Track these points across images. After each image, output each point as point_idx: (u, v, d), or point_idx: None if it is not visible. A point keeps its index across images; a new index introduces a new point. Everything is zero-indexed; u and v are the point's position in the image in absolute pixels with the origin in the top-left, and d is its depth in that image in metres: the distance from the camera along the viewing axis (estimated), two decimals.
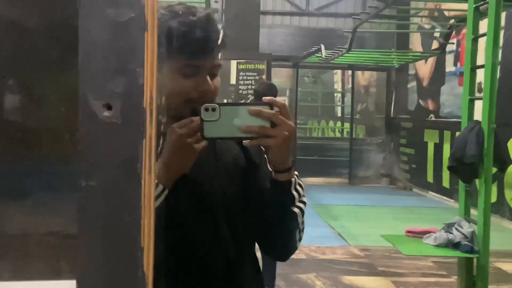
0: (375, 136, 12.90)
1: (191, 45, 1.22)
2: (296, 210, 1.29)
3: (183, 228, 1.28)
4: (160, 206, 1.18)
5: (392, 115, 12.49)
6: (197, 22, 1.22)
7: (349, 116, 12.67)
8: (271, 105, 1.16)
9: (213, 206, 1.31)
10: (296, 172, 1.29)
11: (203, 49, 1.23)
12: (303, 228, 1.35)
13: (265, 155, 1.31)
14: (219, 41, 1.27)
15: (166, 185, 1.20)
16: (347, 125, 12.96)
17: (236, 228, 1.33)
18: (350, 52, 8.56)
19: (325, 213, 8.21)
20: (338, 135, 14.08)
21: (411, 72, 11.47)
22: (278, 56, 11.17)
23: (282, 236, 1.34)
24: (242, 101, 5.53)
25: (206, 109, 1.14)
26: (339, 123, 14.38)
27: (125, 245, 0.57)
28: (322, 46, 9.28)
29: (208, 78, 1.25)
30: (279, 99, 1.19)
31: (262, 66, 7.41)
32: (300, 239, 1.36)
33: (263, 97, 1.17)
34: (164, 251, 1.24)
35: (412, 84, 11.43)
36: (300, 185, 1.31)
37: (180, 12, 1.22)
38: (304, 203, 1.32)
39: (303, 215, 1.32)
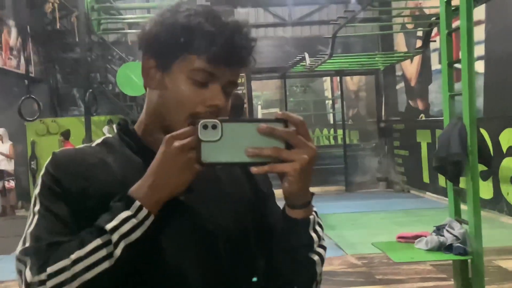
0: (369, 141, 12.78)
1: (215, 47, 1.00)
2: (314, 257, 1.03)
3: (174, 266, 1.03)
4: (142, 237, 0.95)
5: (383, 118, 12.39)
6: (228, 24, 1.02)
7: (341, 123, 12.56)
8: (285, 121, 0.93)
9: (216, 242, 1.07)
10: (315, 208, 1.04)
11: (227, 56, 1.01)
12: (321, 280, 1.08)
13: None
14: (248, 55, 1.06)
15: (151, 209, 0.96)
16: (340, 131, 12.84)
17: (241, 271, 1.09)
18: (334, 58, 8.46)
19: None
20: (332, 142, 13.96)
21: (399, 73, 11.38)
22: (265, 68, 11.09)
23: None
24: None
25: (205, 127, 0.91)
26: (332, 131, 14.27)
27: None
28: (306, 54, 9.21)
29: (222, 93, 1.04)
30: (273, 112, 0.96)
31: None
32: None
33: (277, 112, 0.95)
34: None
35: (401, 85, 11.34)
36: (320, 225, 1.05)
37: (209, 12, 1.04)
38: (324, 248, 1.05)
39: (322, 264, 1.05)
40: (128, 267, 0.96)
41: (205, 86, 1.03)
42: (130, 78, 9.38)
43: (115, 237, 0.93)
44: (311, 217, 1.02)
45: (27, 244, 0.98)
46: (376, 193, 11.43)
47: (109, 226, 0.94)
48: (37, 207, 1.02)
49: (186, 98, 1.02)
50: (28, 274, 0.94)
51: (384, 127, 12.27)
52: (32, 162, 11.23)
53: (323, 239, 1.06)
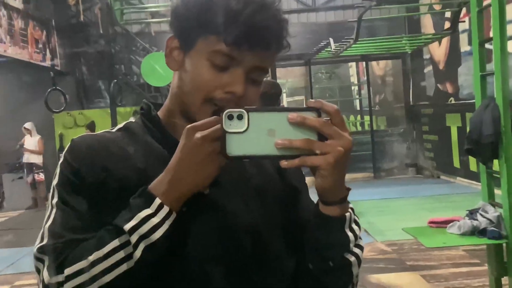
0: (397, 126, 12.61)
1: (235, 28, 0.91)
2: (350, 258, 0.94)
3: (197, 265, 0.96)
4: (163, 237, 0.88)
5: (411, 103, 12.18)
6: (254, 2, 0.92)
7: (368, 109, 12.41)
8: (318, 110, 0.85)
9: (243, 241, 0.98)
10: (351, 205, 0.95)
11: (250, 38, 0.91)
12: (357, 282, 1.01)
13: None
14: (276, 37, 0.95)
15: (173, 206, 0.89)
16: (367, 117, 12.69)
17: (270, 272, 1.00)
18: (359, 42, 8.32)
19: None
20: (359, 128, 13.82)
21: (426, 56, 11.16)
22: (289, 56, 10.99)
23: None
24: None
25: (230, 117, 0.84)
26: (358, 117, 14.13)
27: None
28: (331, 40, 9.09)
29: (243, 79, 0.94)
30: (297, 99, 0.85)
31: None
32: None
33: (309, 100, 0.86)
34: None
35: (429, 69, 11.12)
36: (356, 223, 0.96)
37: None
38: (361, 248, 0.97)
39: (359, 265, 0.96)
40: (150, 268, 0.90)
41: (226, 70, 0.94)
42: (154, 68, 9.36)
43: (134, 238, 0.87)
44: (347, 214, 0.93)
45: (45, 241, 0.93)
46: (405, 179, 11.28)
47: (127, 226, 0.87)
48: (55, 200, 0.97)
49: (204, 81, 0.94)
50: (45, 274, 0.90)
51: (412, 112, 12.06)
52: (60, 155, 11.18)
53: (360, 238, 0.97)
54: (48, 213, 0.97)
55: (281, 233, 1.03)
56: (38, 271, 0.92)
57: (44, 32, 11.06)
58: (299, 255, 1.00)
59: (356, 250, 0.96)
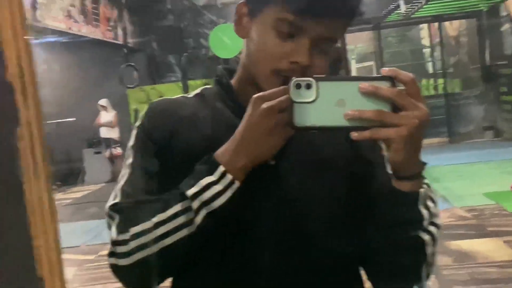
0: (472, 88, 12.13)
1: None
2: (424, 236, 0.90)
3: (256, 237, 0.95)
4: (225, 206, 0.88)
5: (488, 63, 11.67)
6: None
7: (441, 71, 11.99)
8: (392, 79, 0.80)
9: (307, 215, 0.97)
10: (426, 180, 0.90)
11: (315, 5, 0.88)
12: (433, 262, 0.95)
13: (382, 153, 0.97)
14: (346, 5, 0.91)
15: (236, 175, 0.88)
16: (440, 81, 12.28)
17: (330, 247, 0.98)
18: (431, 3, 8.03)
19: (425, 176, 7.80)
20: (432, 92, 13.39)
21: (503, 13, 10.62)
22: (357, 20, 10.72)
23: (401, 271, 0.95)
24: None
25: (298, 86, 0.81)
26: (431, 80, 13.69)
27: (14, 278, 0.40)
28: (401, 1, 8.82)
29: (309, 48, 0.90)
30: (366, 65, 0.80)
31: None
32: (427, 276, 0.95)
33: (383, 69, 0.80)
34: (230, 271, 0.96)
35: (506, 27, 10.59)
36: (432, 200, 0.91)
37: None
38: (437, 226, 0.92)
39: (434, 244, 0.92)
40: (210, 235, 0.91)
41: (291, 39, 0.90)
42: (222, 40, 9.40)
43: (195, 204, 0.88)
44: (422, 190, 0.88)
45: (117, 199, 0.96)
46: (482, 143, 10.88)
47: (190, 192, 0.88)
48: (130, 160, 1.01)
49: (267, 50, 0.92)
50: (114, 231, 0.93)
51: (489, 73, 11.56)
52: None
53: (436, 216, 0.92)
54: (122, 173, 1.00)
55: (349, 208, 0.99)
56: (109, 227, 0.96)
57: (115, 10, 11.31)
58: (368, 232, 0.96)
59: (432, 228, 0.91)
